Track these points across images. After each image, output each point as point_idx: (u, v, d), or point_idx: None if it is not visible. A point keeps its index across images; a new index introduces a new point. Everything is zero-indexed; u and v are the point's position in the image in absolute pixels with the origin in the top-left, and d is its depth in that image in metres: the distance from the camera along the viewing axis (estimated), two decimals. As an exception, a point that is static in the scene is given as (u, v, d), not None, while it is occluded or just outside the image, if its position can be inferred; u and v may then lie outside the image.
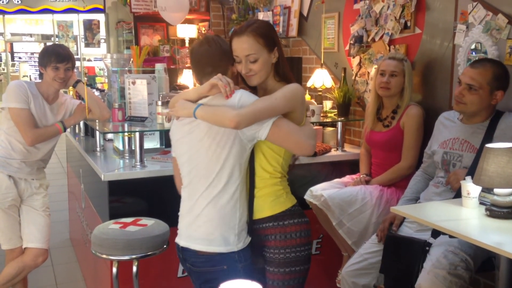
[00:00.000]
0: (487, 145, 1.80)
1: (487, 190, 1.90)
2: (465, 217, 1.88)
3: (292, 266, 1.82)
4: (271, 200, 1.83)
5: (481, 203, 1.91)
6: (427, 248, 2.18)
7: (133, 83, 3.04)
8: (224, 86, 1.70)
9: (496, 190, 1.79)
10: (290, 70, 1.88)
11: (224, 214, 1.77)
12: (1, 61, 16.55)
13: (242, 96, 1.73)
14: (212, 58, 1.82)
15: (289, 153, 1.85)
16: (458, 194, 2.10)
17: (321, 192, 2.69)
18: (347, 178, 2.94)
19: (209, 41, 1.85)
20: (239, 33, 1.80)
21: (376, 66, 3.18)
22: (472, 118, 2.28)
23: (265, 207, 1.83)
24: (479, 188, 1.89)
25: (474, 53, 2.53)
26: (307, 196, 2.76)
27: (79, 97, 3.25)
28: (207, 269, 1.82)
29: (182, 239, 1.85)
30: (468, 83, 2.19)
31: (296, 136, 1.74)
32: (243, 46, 1.78)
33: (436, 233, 2.17)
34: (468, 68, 2.24)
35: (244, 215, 1.82)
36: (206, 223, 1.79)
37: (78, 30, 11.69)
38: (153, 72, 3.34)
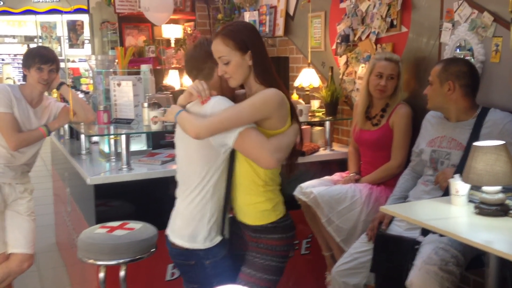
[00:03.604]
0: (475, 143, 1.81)
1: (475, 188, 1.90)
2: (454, 215, 1.88)
3: (270, 274, 1.85)
4: (254, 212, 1.85)
5: (470, 201, 1.92)
6: (417, 246, 2.18)
7: (119, 84, 3.00)
8: (197, 95, 1.77)
9: (484, 188, 1.79)
10: (272, 73, 1.85)
11: (194, 213, 1.85)
12: (-17, 63, 16.27)
13: (215, 104, 1.78)
14: (197, 61, 1.90)
15: None
16: (446, 192, 2.11)
17: (311, 189, 2.69)
18: (337, 176, 2.95)
19: (196, 45, 1.93)
20: (215, 35, 1.84)
21: (363, 65, 3.18)
22: (450, 115, 2.31)
23: (247, 215, 1.87)
24: (468, 186, 1.90)
25: (458, 50, 2.54)
26: (296, 192, 2.75)
27: (64, 99, 3.20)
28: (179, 261, 1.95)
29: (168, 229, 1.97)
30: (428, 80, 2.35)
31: (258, 151, 1.74)
32: (215, 48, 1.82)
33: (425, 232, 2.18)
34: None
35: (215, 216, 1.86)
36: (180, 219, 1.90)
37: (62, 31, 11.55)
38: (138, 73, 3.31)
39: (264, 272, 1.84)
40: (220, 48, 1.80)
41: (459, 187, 1.90)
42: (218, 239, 1.88)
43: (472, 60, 2.44)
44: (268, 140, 1.76)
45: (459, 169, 2.07)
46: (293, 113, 1.87)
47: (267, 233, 1.84)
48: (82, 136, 3.13)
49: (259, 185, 1.83)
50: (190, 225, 1.85)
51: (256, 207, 1.84)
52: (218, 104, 1.78)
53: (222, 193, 1.87)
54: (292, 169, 1.94)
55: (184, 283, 2.04)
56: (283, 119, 1.81)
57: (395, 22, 2.93)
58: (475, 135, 2.19)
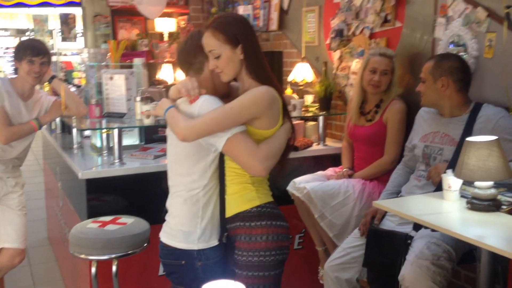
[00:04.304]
0: (468, 139, 1.81)
1: (468, 183, 1.90)
2: (446, 211, 1.88)
3: (256, 270, 1.77)
4: (237, 197, 1.80)
5: (462, 196, 1.92)
6: (409, 241, 2.19)
7: (111, 78, 2.98)
8: (186, 94, 1.74)
9: (477, 183, 1.79)
10: (265, 67, 1.79)
11: (185, 211, 1.80)
12: (-26, 56, 16.11)
13: (203, 103, 1.73)
14: (187, 55, 1.85)
15: None
16: (439, 187, 2.11)
17: (304, 184, 2.68)
18: (330, 171, 2.94)
19: (187, 38, 1.88)
20: (205, 28, 1.79)
21: (357, 60, 3.18)
22: (444, 110, 2.31)
23: (232, 205, 1.81)
24: (460, 181, 1.90)
25: (452, 45, 2.54)
26: (290, 187, 2.75)
27: (55, 93, 3.17)
28: (169, 261, 1.87)
29: (161, 232, 1.91)
30: (420, 77, 2.33)
31: (247, 159, 1.69)
32: (205, 41, 1.77)
33: (417, 226, 2.19)
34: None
35: (208, 216, 1.80)
36: (172, 218, 1.85)
37: (54, 24, 11.44)
38: (131, 67, 3.29)
39: (253, 269, 1.76)
40: (210, 42, 1.74)
41: (452, 182, 1.90)
42: (214, 242, 1.82)
43: (465, 55, 2.44)
44: (258, 147, 1.70)
45: (452, 164, 2.07)
46: (285, 111, 1.82)
47: (251, 220, 1.76)
48: (74, 130, 3.10)
49: (245, 176, 1.78)
50: (183, 224, 1.81)
51: (239, 195, 1.79)
52: (206, 104, 1.73)
53: (215, 192, 1.82)
54: (285, 165, 1.88)
55: (172, 284, 1.97)
56: (274, 118, 1.76)
57: (389, 17, 2.92)
58: (468, 131, 2.19)
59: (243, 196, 1.79)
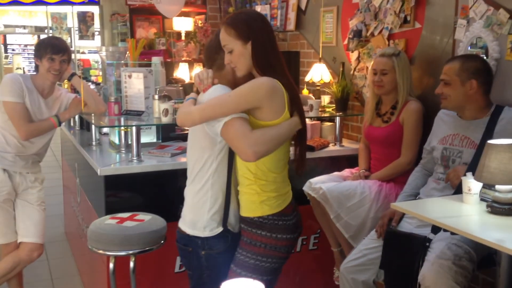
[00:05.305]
0: (489, 141, 1.79)
1: (488, 186, 1.88)
2: (466, 214, 1.86)
3: (249, 272, 1.80)
4: (244, 202, 1.85)
5: (482, 200, 1.90)
6: (427, 244, 2.17)
7: (129, 76, 3.01)
8: (198, 83, 1.79)
9: (497, 187, 1.78)
10: (273, 65, 1.78)
11: (195, 200, 1.87)
12: (-6, 53, 16.35)
13: (212, 92, 1.78)
14: (209, 52, 1.92)
15: (276, 153, 1.78)
16: (457, 190, 2.10)
17: (320, 185, 2.68)
18: (346, 172, 2.94)
19: (212, 36, 1.94)
20: (221, 23, 1.84)
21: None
22: (465, 113, 2.28)
23: (242, 206, 1.87)
24: (480, 185, 1.88)
25: (470, 47, 2.52)
26: (305, 188, 2.75)
27: (74, 90, 3.21)
28: (180, 245, 1.95)
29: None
30: (442, 79, 2.28)
31: (238, 142, 1.67)
32: (220, 36, 1.82)
33: (436, 229, 2.17)
34: (444, 65, 2.31)
35: (216, 206, 1.85)
36: (185, 205, 1.93)
37: (72, 22, 11.56)
38: (149, 65, 3.31)
39: (247, 270, 1.80)
40: (223, 37, 1.79)
41: (472, 185, 1.89)
42: (219, 229, 1.86)
43: (485, 58, 2.41)
44: (252, 132, 1.67)
45: (471, 167, 2.06)
46: (295, 105, 1.79)
47: (252, 227, 1.81)
48: (93, 127, 3.14)
49: (249, 178, 1.80)
50: (192, 212, 1.88)
51: (246, 197, 1.83)
52: (214, 92, 1.76)
53: (223, 183, 1.85)
54: (301, 165, 1.90)
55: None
56: (276, 110, 1.73)
57: (408, 18, 2.90)
58: (488, 133, 2.17)
59: (249, 201, 1.83)
